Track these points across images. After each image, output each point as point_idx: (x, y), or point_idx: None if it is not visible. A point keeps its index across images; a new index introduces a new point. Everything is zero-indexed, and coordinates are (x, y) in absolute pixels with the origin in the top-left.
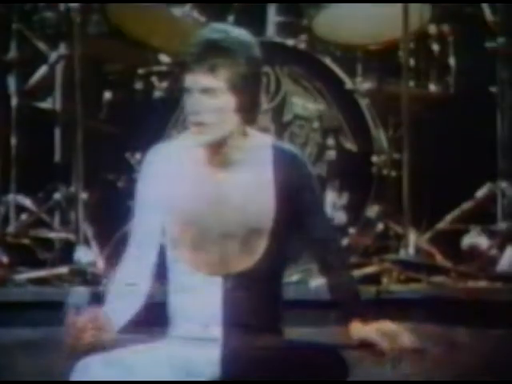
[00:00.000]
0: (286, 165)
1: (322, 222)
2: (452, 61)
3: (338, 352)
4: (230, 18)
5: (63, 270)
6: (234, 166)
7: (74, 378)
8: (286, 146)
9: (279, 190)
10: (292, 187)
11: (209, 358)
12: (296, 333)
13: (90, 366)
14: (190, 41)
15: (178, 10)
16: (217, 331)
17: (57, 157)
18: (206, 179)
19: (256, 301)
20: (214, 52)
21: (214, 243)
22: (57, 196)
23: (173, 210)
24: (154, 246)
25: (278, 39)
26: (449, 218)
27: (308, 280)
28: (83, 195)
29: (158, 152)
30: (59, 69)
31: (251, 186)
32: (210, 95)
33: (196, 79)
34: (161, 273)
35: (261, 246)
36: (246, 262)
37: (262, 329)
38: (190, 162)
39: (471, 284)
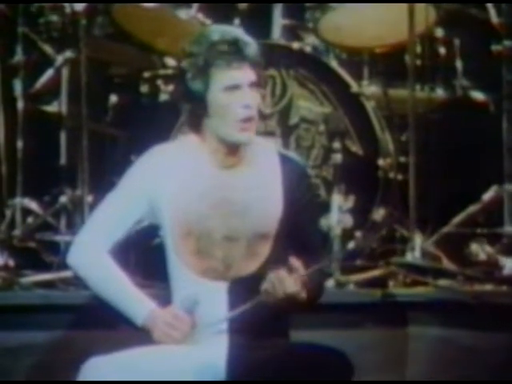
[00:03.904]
0: (293, 174)
1: (316, 228)
2: (458, 63)
3: (344, 354)
4: (236, 21)
5: (69, 273)
6: (239, 169)
7: (80, 378)
8: (292, 154)
9: (285, 197)
10: (297, 195)
11: (214, 362)
12: (302, 336)
13: (97, 367)
14: (210, 39)
15: (183, 13)
16: (222, 335)
17: (63, 160)
18: (211, 181)
19: (261, 305)
20: (251, 49)
21: (218, 247)
22: (63, 199)
23: (176, 212)
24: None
25: (283, 42)
26: (455, 221)
27: None
28: (89, 198)
29: (161, 151)
30: (65, 72)
31: (256, 189)
32: (255, 90)
33: (244, 74)
34: (164, 276)
35: (265, 250)
36: (249, 266)
37: (267, 332)
38: (194, 163)
39: (478, 287)
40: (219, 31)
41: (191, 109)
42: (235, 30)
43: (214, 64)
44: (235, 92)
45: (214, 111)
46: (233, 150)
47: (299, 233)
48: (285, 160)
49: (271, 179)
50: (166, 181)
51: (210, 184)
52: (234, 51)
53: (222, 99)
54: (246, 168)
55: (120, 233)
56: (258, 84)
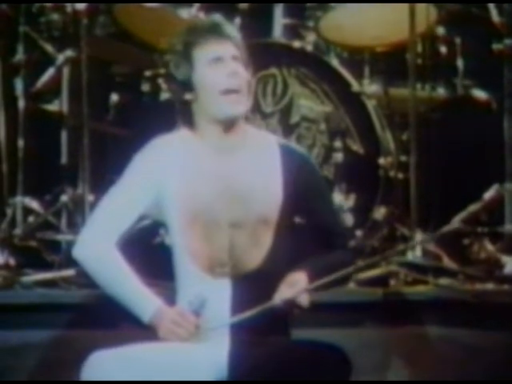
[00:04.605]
0: (293, 161)
1: (329, 212)
2: (459, 62)
3: (341, 349)
4: (237, 20)
5: (70, 272)
6: (237, 154)
7: (85, 371)
8: (291, 143)
9: (285, 184)
10: (298, 182)
11: (216, 359)
12: (302, 334)
13: (101, 361)
14: (188, 26)
15: (184, 12)
16: (224, 333)
17: (64, 159)
18: (211, 167)
19: (263, 302)
20: (230, 29)
21: (224, 234)
22: (64, 198)
23: (181, 200)
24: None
25: (284, 41)
26: (456, 219)
27: None
28: (90, 197)
29: (163, 142)
30: (66, 71)
31: (256, 173)
32: (240, 64)
33: (226, 48)
34: (170, 274)
35: (268, 238)
36: (254, 258)
37: (268, 330)
38: (193, 152)
39: (478, 286)
40: (198, 20)
41: (180, 98)
42: (214, 16)
43: (195, 43)
44: (219, 64)
45: (201, 90)
46: (227, 128)
47: (306, 219)
48: (284, 148)
49: (270, 164)
50: (171, 170)
51: (211, 170)
52: (213, 31)
53: (208, 74)
54: (244, 153)
55: (126, 225)
56: (242, 60)
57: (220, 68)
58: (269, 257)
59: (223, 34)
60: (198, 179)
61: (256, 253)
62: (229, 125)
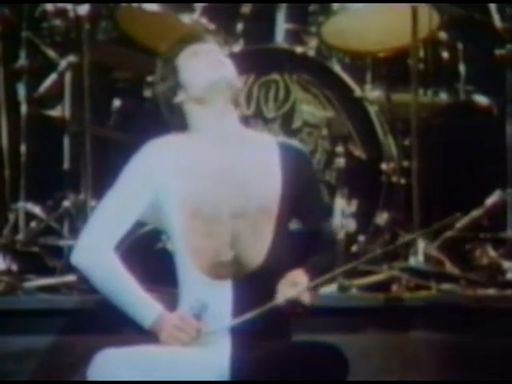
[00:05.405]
0: (291, 155)
1: (320, 206)
2: (462, 67)
3: (339, 350)
4: (239, 25)
5: (72, 277)
6: (235, 146)
7: (91, 369)
8: (289, 140)
9: (283, 174)
10: (295, 173)
11: (218, 363)
12: (304, 339)
13: (108, 359)
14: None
15: (186, 17)
16: (226, 336)
17: (66, 164)
18: (211, 161)
19: (264, 304)
20: (211, 38)
21: (225, 227)
22: (66, 204)
23: (181, 195)
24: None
25: (286, 46)
26: (458, 225)
27: None
28: (92, 203)
29: (159, 143)
30: (68, 76)
31: (255, 163)
32: (222, 55)
33: (208, 45)
34: (172, 279)
35: (270, 230)
36: (256, 255)
37: (270, 333)
38: (191, 147)
39: (480, 292)
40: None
41: (172, 104)
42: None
43: (177, 52)
44: (201, 56)
45: (190, 82)
46: (222, 116)
47: (299, 207)
48: (280, 142)
49: (267, 155)
50: (168, 170)
51: (209, 162)
52: (195, 39)
53: (192, 61)
54: (241, 143)
55: (123, 229)
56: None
57: (202, 57)
58: (271, 253)
59: (204, 40)
60: (197, 173)
61: (258, 247)
62: (224, 110)
